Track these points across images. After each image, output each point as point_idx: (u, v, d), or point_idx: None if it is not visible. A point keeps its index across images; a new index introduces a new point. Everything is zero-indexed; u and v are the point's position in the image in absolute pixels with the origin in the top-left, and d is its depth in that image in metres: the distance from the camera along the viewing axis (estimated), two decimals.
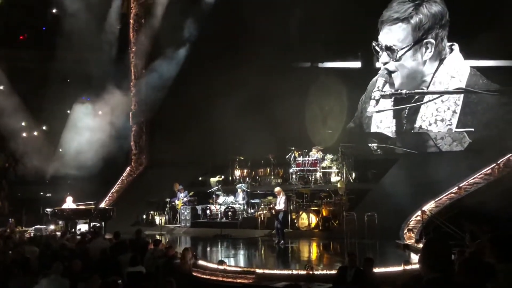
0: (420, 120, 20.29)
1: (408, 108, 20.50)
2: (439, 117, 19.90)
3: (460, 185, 17.10)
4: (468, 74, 19.46)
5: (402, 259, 11.38)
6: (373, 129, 21.47)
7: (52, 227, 19.68)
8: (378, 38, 20.81)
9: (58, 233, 17.70)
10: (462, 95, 19.51)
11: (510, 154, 17.56)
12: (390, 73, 20.53)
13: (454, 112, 19.62)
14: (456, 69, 19.68)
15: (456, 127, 19.55)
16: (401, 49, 20.18)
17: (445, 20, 19.77)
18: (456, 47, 19.72)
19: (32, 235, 17.59)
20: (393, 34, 20.48)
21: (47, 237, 14.37)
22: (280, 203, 16.19)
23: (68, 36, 22.70)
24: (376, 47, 20.82)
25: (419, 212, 16.12)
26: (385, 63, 20.57)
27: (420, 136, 20.38)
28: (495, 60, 19.22)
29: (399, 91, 20.38)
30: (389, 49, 20.44)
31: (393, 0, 20.70)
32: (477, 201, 15.46)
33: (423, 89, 20.10)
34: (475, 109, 19.28)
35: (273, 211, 16.39)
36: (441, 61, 19.90)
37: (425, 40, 19.87)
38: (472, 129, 19.24)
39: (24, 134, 25.74)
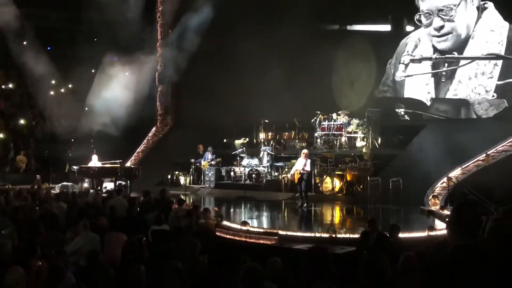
0: (457, 81, 19.87)
1: (444, 72, 20.10)
2: (479, 70, 19.48)
3: (488, 152, 16.83)
4: (508, 28, 18.99)
5: (427, 225, 11.31)
6: (406, 94, 21.14)
7: (81, 184, 19.97)
8: (420, 8, 20.33)
9: (85, 189, 18.07)
10: (504, 46, 19.00)
11: None
12: (439, 36, 20.04)
13: (496, 64, 19.21)
14: (494, 25, 19.21)
15: (498, 79, 19.12)
16: (456, 6, 19.67)
17: None
18: (490, 4, 19.24)
19: (58, 191, 17.88)
20: None
21: (74, 194, 14.58)
22: (308, 165, 16.18)
23: None
24: (421, 18, 20.34)
25: (445, 179, 15.96)
26: (440, 28, 20.05)
27: (456, 102, 20.01)
28: None
29: (431, 55, 19.99)
30: (442, 12, 19.92)
31: None
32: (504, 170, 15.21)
33: (456, 53, 19.62)
34: None
35: (302, 172, 16.22)
36: (479, 15, 19.43)
37: None
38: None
39: (51, 93, 25.98)
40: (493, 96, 19.27)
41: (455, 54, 19.85)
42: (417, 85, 20.81)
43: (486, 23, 19.34)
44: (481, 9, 19.37)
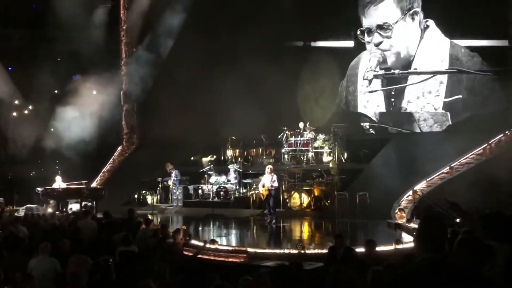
0: (407, 98, 20.41)
1: (393, 91, 20.62)
2: (426, 90, 19.99)
3: (452, 165, 17.16)
4: (449, 46, 19.56)
5: (394, 238, 11.41)
6: (360, 109, 21.54)
7: (44, 206, 19.58)
8: (363, 23, 20.82)
9: (50, 211, 17.72)
10: (447, 65, 19.57)
11: (502, 135, 17.61)
12: (383, 52, 20.54)
13: (441, 82, 19.71)
14: (436, 42, 19.74)
15: (445, 97, 19.60)
16: (394, 23, 20.16)
17: None
18: (431, 22, 19.78)
19: (23, 214, 17.49)
20: (381, 13, 20.53)
21: (37, 216, 14.28)
22: (275, 180, 16.23)
23: (58, 14, 22.40)
24: (363, 34, 20.83)
25: (410, 192, 16.19)
26: (379, 44, 20.54)
27: (405, 116, 20.52)
28: (472, 39, 19.28)
29: (392, 70, 20.41)
30: (381, 28, 20.41)
31: None
32: (467, 182, 15.51)
33: (415, 68, 20.11)
34: (461, 77, 19.44)
35: (270, 188, 16.22)
36: (421, 34, 19.97)
37: (412, 10, 19.96)
38: (461, 96, 19.31)
39: (14, 114, 25.52)
40: (441, 112, 19.74)
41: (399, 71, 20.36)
42: (368, 102, 21.25)
43: (429, 42, 19.93)
44: (423, 29, 19.91)
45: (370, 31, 20.74)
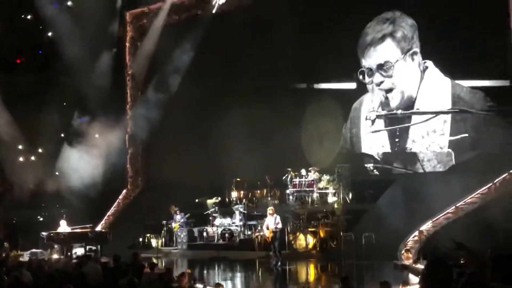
0: (411, 138, 20.41)
1: (399, 128, 20.67)
2: (430, 128, 20.00)
3: (457, 205, 17.09)
4: (450, 85, 19.66)
5: (401, 279, 11.30)
6: (364, 150, 21.58)
7: (49, 251, 19.50)
8: (363, 64, 21.07)
9: (55, 257, 17.66)
10: (449, 104, 19.62)
11: (507, 174, 17.58)
12: (384, 93, 20.72)
13: (445, 121, 19.74)
14: (436, 82, 19.88)
15: (450, 135, 19.60)
16: (394, 62, 20.38)
17: (417, 34, 20.16)
18: (429, 63, 19.96)
19: (28, 259, 17.42)
20: (381, 53, 20.74)
21: (41, 261, 14.22)
22: (279, 222, 16.20)
23: (65, 60, 22.80)
24: (364, 73, 21.07)
25: (416, 232, 16.09)
26: (380, 83, 20.73)
27: (409, 157, 20.50)
28: (472, 79, 19.42)
29: (395, 111, 20.53)
30: (382, 68, 20.63)
31: (366, 28, 21.01)
32: (474, 221, 15.42)
33: (417, 108, 20.23)
34: (465, 115, 19.41)
35: (274, 230, 16.18)
36: (422, 75, 20.15)
37: (411, 51, 20.15)
38: (466, 135, 19.28)
39: (20, 159, 25.68)
40: (447, 151, 19.73)
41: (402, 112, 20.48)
42: (373, 142, 21.31)
43: (430, 82, 20.01)
44: (422, 69, 20.11)
45: (371, 72, 20.95)
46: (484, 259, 5.21)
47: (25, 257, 18.21)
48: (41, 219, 23.70)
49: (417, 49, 20.09)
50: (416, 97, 20.23)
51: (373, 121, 21.07)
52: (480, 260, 5.44)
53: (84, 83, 23.67)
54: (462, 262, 8.58)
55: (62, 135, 25.06)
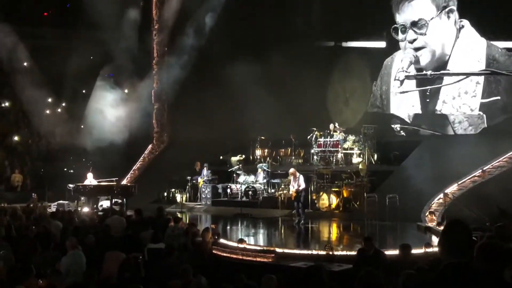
0: (441, 100, 20.02)
1: (428, 91, 20.25)
2: (462, 90, 19.58)
3: (484, 168, 16.86)
4: (485, 46, 19.14)
5: (424, 241, 11.27)
6: (393, 110, 21.26)
7: (75, 202, 19.88)
8: (397, 20, 20.55)
9: (82, 209, 18.01)
10: (483, 66, 19.13)
11: None
12: (416, 51, 20.23)
13: (478, 83, 19.30)
14: (472, 42, 19.35)
15: (482, 97, 19.18)
16: (429, 20, 19.85)
17: None
18: (466, 22, 19.39)
19: (54, 210, 17.80)
20: (416, 9, 20.21)
21: (69, 212, 14.52)
22: (302, 182, 16.16)
23: (92, 14, 22.73)
24: (397, 30, 20.57)
25: (441, 195, 15.95)
26: (413, 41, 20.25)
27: (440, 119, 20.14)
28: (508, 41, 18.86)
29: (424, 72, 20.10)
30: (416, 25, 20.12)
31: None
32: (501, 185, 15.22)
33: (447, 69, 19.77)
34: (498, 77, 18.92)
35: (297, 190, 16.19)
36: (457, 33, 19.60)
37: (448, 8, 19.60)
38: (499, 97, 18.86)
39: (47, 111, 25.99)
40: (478, 114, 19.33)
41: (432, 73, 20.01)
42: (403, 102, 20.95)
43: (465, 42, 19.50)
44: (458, 28, 19.53)
45: (404, 28, 20.44)
46: None
47: (52, 208, 18.60)
48: (71, 171, 24.05)
49: (453, 7, 19.52)
50: (449, 56, 19.74)
51: (401, 82, 20.66)
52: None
53: (111, 38, 23.62)
54: (487, 225, 8.48)
55: (88, 89, 25.17)
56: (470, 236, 3.53)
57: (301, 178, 16.28)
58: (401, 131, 21.08)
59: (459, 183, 16.60)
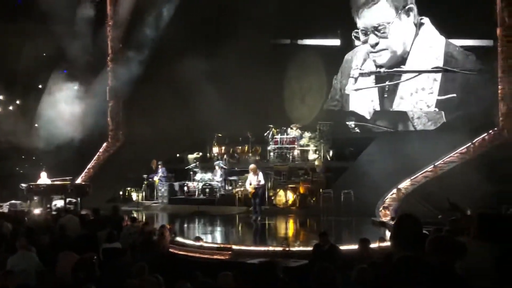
0: (399, 95, 20.39)
1: (387, 87, 20.61)
2: (420, 86, 19.99)
3: (436, 164, 17.29)
4: (444, 44, 19.60)
5: (378, 236, 11.49)
6: (352, 107, 21.55)
7: (28, 202, 19.42)
8: (358, 25, 20.82)
9: (34, 209, 17.59)
10: (441, 61, 19.57)
11: (486, 133, 17.77)
12: (375, 52, 20.54)
13: (435, 79, 19.74)
14: (431, 40, 19.78)
15: (439, 94, 19.64)
16: (389, 24, 20.17)
17: None
18: (426, 20, 19.81)
19: (6, 210, 17.35)
20: (375, 14, 20.49)
21: (20, 212, 14.20)
22: (261, 178, 16.26)
23: (43, 8, 22.21)
24: (359, 34, 20.84)
25: (395, 190, 16.29)
26: (375, 44, 20.54)
27: (398, 115, 20.52)
28: (464, 39, 19.35)
29: (378, 69, 20.46)
30: (377, 29, 20.41)
31: None
32: (452, 180, 15.64)
33: (402, 66, 20.16)
34: (455, 75, 19.43)
35: (257, 187, 16.25)
36: (416, 31, 20.00)
37: (407, 6, 19.95)
38: (455, 95, 19.34)
39: None
40: (434, 110, 19.80)
41: (385, 70, 20.39)
42: (361, 99, 21.26)
43: (424, 39, 19.92)
44: (418, 25, 19.94)
45: (365, 33, 20.73)
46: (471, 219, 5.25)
47: (4, 208, 18.13)
48: (23, 171, 23.48)
49: (412, 5, 19.86)
50: (408, 53, 20.09)
51: (356, 79, 21.00)
52: (469, 221, 5.48)
53: (65, 34, 23.12)
54: (439, 217, 8.70)
55: (40, 86, 24.61)
56: (421, 229, 3.64)
57: (261, 174, 16.39)
58: (356, 128, 21.40)
59: (411, 178, 17.00)
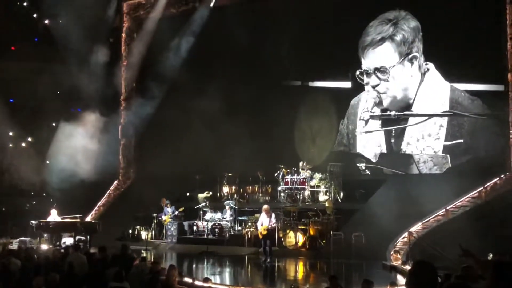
0: (406, 141, 20.40)
1: (394, 129, 20.65)
2: (426, 132, 20.00)
3: (448, 208, 17.16)
4: (449, 90, 19.67)
5: (389, 280, 11.37)
6: (359, 149, 21.57)
7: (38, 239, 19.42)
8: (362, 65, 21.03)
9: (43, 246, 17.58)
10: (447, 106, 19.63)
11: (498, 178, 17.66)
12: (379, 94, 20.69)
13: (441, 126, 19.75)
14: (436, 86, 19.87)
15: (445, 140, 19.61)
16: (391, 67, 20.36)
17: (421, 35, 20.09)
18: (431, 66, 19.94)
19: (16, 247, 17.35)
20: (379, 56, 20.66)
21: (31, 250, 14.18)
22: (274, 220, 16.23)
23: (60, 48, 22.69)
24: (362, 75, 21.03)
25: (406, 234, 16.13)
26: (375, 86, 20.71)
27: (404, 158, 20.48)
28: (471, 83, 19.43)
29: (388, 112, 20.52)
30: (379, 71, 20.60)
31: (368, 26, 20.90)
32: (463, 225, 15.48)
33: (411, 110, 20.23)
34: (461, 120, 19.44)
35: (270, 227, 16.20)
36: (422, 78, 20.11)
37: (411, 55, 20.10)
38: (462, 140, 19.30)
39: (10, 145, 25.53)
40: (441, 154, 19.73)
41: (395, 113, 20.45)
42: (368, 141, 21.28)
43: (429, 85, 19.99)
44: (423, 72, 20.07)
45: (368, 73, 20.93)
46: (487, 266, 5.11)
47: (14, 245, 18.13)
48: (30, 207, 23.55)
49: (417, 54, 20.01)
50: (414, 99, 20.17)
51: (366, 122, 21.07)
52: (484, 267, 5.35)
53: (79, 73, 23.52)
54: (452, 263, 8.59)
55: (54, 124, 24.90)
56: (435, 275, 3.62)
57: (273, 215, 16.36)
58: (366, 170, 21.35)
59: (423, 222, 16.84)
